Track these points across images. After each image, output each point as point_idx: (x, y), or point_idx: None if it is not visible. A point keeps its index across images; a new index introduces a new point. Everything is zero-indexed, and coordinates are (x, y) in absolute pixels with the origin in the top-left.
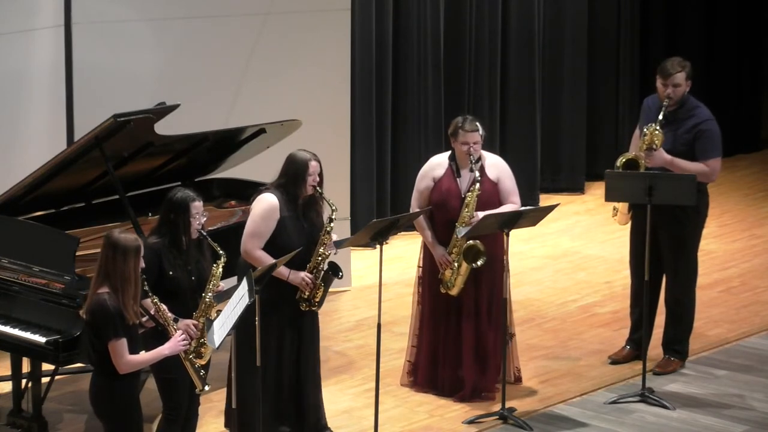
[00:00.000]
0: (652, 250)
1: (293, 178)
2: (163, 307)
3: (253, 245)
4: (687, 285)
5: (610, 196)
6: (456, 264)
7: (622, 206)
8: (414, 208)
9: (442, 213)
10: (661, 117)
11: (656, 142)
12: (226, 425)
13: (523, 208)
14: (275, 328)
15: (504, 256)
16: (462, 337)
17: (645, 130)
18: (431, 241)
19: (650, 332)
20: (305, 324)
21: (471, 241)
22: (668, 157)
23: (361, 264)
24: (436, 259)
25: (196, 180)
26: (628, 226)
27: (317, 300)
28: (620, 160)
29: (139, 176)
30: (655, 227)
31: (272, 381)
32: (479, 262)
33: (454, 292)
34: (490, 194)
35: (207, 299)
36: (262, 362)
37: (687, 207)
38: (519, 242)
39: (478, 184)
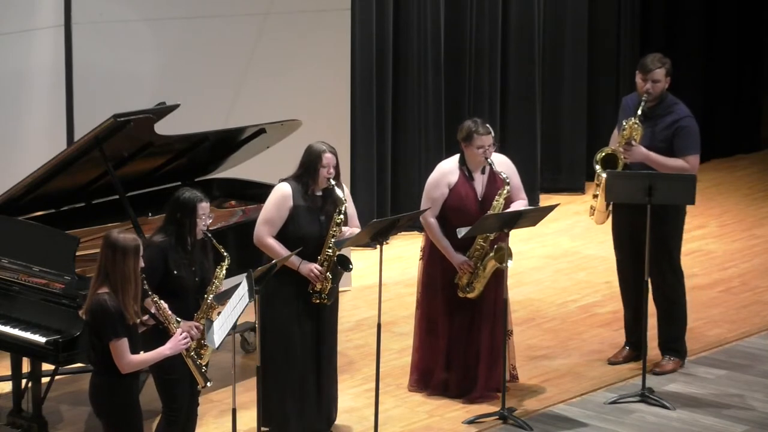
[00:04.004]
0: (635, 251)
1: (307, 169)
2: (164, 305)
3: (264, 232)
4: (674, 282)
5: (610, 196)
6: (481, 267)
7: (600, 204)
8: (428, 217)
9: (459, 218)
10: (639, 112)
11: (635, 136)
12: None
13: (524, 208)
14: (295, 319)
15: None
16: (476, 338)
17: (624, 124)
18: (449, 250)
19: (647, 332)
20: (323, 316)
21: (500, 243)
22: (646, 151)
23: (361, 264)
24: (457, 265)
25: (196, 180)
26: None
27: (326, 293)
28: (599, 155)
29: (139, 176)
30: (637, 227)
31: (295, 373)
32: (509, 262)
33: (473, 295)
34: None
35: (209, 301)
36: (282, 355)
37: (667, 205)
38: (519, 242)
39: (507, 187)
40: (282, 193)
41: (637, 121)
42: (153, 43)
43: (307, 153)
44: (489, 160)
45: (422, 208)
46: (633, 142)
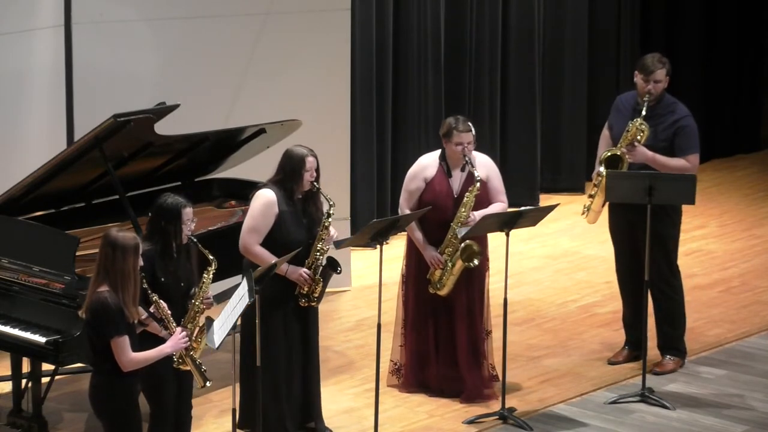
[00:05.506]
0: (633, 250)
1: (290, 174)
2: (163, 304)
3: (251, 240)
4: (673, 282)
5: (610, 196)
6: (450, 264)
7: (595, 204)
8: (403, 208)
9: (434, 213)
10: (644, 112)
11: (639, 137)
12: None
13: (523, 208)
14: (281, 325)
15: (487, 255)
16: (455, 336)
17: (629, 124)
18: (422, 243)
19: (647, 332)
20: (309, 321)
21: (467, 241)
22: (650, 153)
23: (361, 264)
24: (428, 259)
25: (196, 180)
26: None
27: (316, 295)
28: (604, 155)
29: (139, 176)
30: (634, 226)
31: (282, 378)
32: (475, 261)
33: (443, 292)
34: (481, 193)
35: (196, 306)
36: (269, 361)
37: (665, 204)
38: (519, 242)
39: (478, 184)
40: (267, 200)
41: (644, 122)
42: (153, 43)
43: (288, 158)
44: (467, 158)
45: (401, 200)
46: (636, 143)
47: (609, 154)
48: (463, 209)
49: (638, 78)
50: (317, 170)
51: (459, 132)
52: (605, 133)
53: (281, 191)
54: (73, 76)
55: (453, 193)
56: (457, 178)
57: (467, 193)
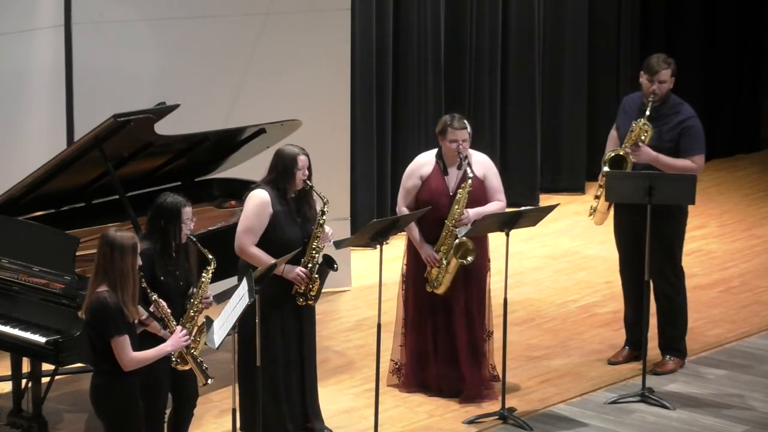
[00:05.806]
0: (638, 250)
1: (282, 174)
2: (163, 303)
3: (247, 241)
4: (676, 283)
5: (610, 196)
6: (445, 262)
7: (601, 205)
8: (401, 206)
9: (430, 211)
10: (648, 112)
11: (643, 137)
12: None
13: (523, 208)
14: (278, 325)
15: (488, 255)
16: (454, 336)
17: (633, 124)
18: (419, 240)
19: (647, 332)
20: (306, 320)
21: (462, 239)
22: (653, 153)
23: (361, 264)
24: (423, 257)
25: (196, 180)
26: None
27: (313, 294)
28: (608, 155)
29: (139, 176)
30: (639, 227)
31: (280, 379)
32: (469, 259)
33: (440, 290)
34: (477, 191)
35: (195, 305)
36: (268, 361)
37: (671, 205)
38: (519, 242)
39: (470, 181)
40: (261, 200)
41: (647, 122)
42: (153, 43)
43: (280, 158)
44: (461, 155)
45: (398, 198)
46: (640, 143)
47: (613, 154)
48: (457, 206)
49: (643, 78)
50: (309, 168)
51: (454, 129)
52: (612, 133)
53: (274, 191)
54: (73, 76)
55: (449, 191)
56: (454, 176)
57: (459, 190)
